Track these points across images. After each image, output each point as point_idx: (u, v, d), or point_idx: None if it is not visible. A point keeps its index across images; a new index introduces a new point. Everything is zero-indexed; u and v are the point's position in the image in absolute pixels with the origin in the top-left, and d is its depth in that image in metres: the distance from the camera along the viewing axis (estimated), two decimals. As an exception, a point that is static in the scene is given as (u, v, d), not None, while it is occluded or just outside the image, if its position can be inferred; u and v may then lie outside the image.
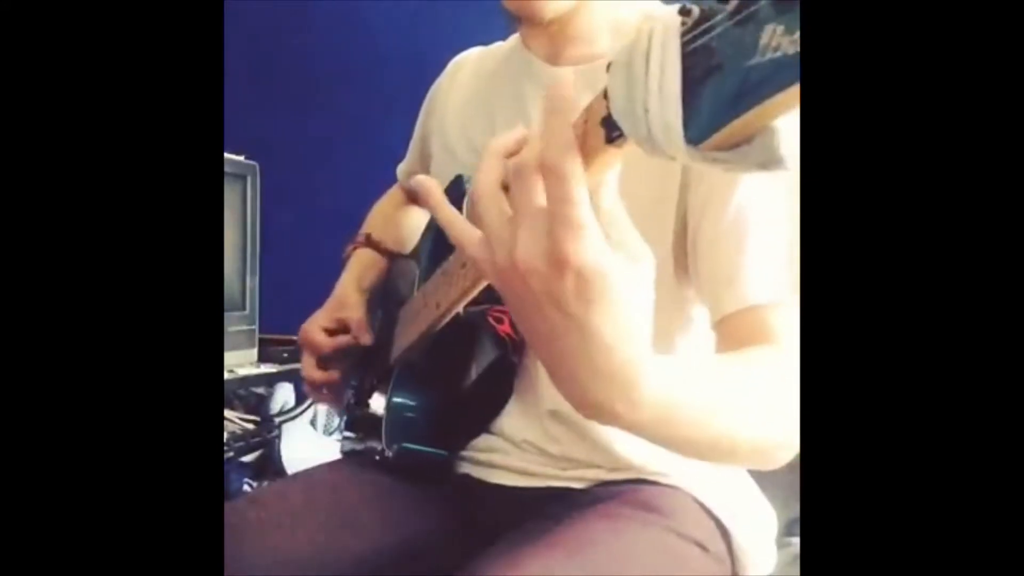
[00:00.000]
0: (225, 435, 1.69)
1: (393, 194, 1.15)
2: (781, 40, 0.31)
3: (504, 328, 0.77)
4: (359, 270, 1.02)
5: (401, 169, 1.12)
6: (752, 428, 0.58)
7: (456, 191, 0.85)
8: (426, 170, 1.02)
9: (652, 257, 0.45)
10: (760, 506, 0.86)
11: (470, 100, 0.94)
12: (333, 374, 0.96)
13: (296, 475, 0.97)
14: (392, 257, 1.04)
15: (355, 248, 1.04)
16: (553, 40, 0.82)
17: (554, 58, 0.83)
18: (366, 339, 0.94)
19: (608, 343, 0.44)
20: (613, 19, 0.81)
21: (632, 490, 0.79)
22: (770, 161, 0.36)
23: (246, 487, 1.68)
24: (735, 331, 0.68)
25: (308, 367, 0.97)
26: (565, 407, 0.68)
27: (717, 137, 0.36)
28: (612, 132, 0.41)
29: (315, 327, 0.96)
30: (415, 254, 0.98)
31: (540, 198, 0.42)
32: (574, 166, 0.41)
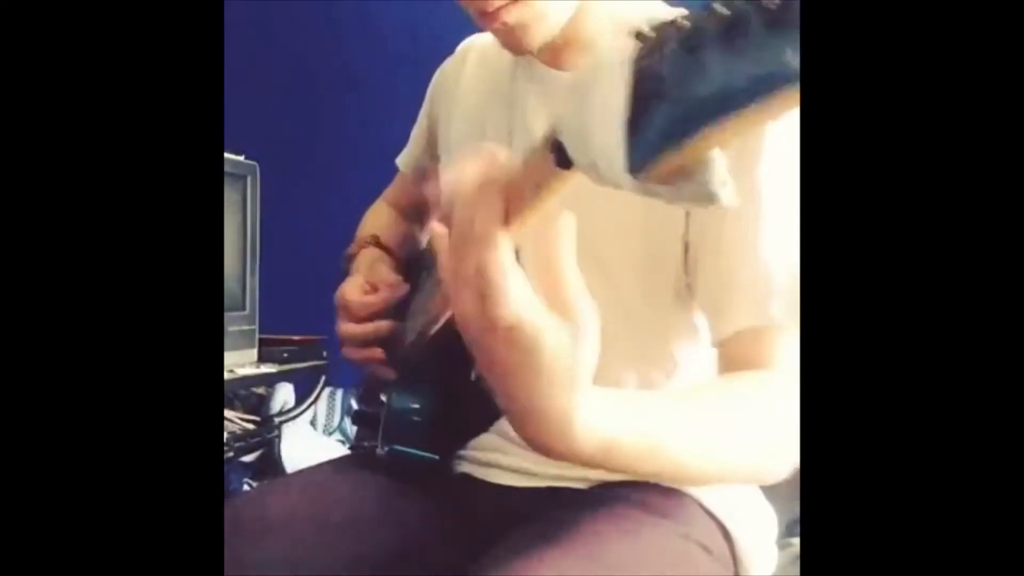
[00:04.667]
0: (225, 435, 1.69)
1: (382, 209, 1.11)
2: (722, 71, 0.30)
3: None
4: (371, 262, 0.98)
5: (403, 160, 1.08)
6: (726, 453, 0.59)
7: None
8: (433, 157, 1.00)
9: (594, 316, 0.47)
10: (761, 507, 0.86)
11: (474, 92, 0.92)
12: (379, 325, 0.89)
13: (296, 474, 0.96)
14: (399, 261, 1.01)
15: (360, 248, 1.01)
16: (553, 45, 0.81)
17: (556, 62, 0.82)
18: (402, 289, 0.89)
19: (537, 390, 0.47)
20: (615, 21, 0.78)
21: (635, 492, 0.78)
22: (702, 197, 0.34)
23: (246, 487, 1.68)
24: (733, 352, 0.70)
25: (347, 328, 0.91)
26: None
27: (654, 167, 0.34)
28: (560, 156, 0.40)
29: (352, 287, 0.91)
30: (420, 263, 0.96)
31: (469, 265, 0.45)
32: (502, 236, 0.44)
